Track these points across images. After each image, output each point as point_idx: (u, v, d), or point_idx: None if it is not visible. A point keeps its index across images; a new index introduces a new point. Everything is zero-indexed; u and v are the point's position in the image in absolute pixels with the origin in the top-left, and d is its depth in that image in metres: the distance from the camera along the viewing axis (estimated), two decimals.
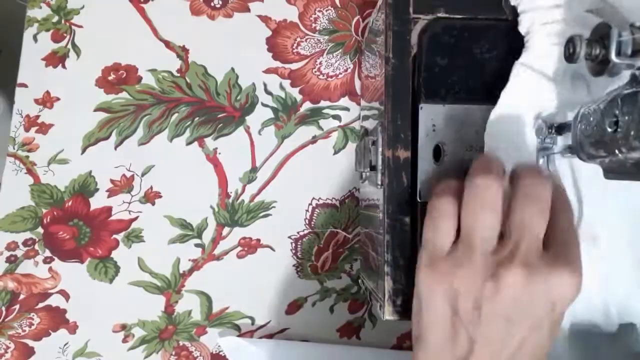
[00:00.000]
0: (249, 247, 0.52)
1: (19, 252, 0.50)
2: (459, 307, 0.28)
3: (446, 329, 0.28)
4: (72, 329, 0.51)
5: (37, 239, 0.50)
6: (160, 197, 0.51)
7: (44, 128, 0.51)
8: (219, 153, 0.52)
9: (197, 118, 0.52)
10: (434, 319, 0.29)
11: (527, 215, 0.27)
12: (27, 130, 0.51)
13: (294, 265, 0.52)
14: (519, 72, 0.34)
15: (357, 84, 0.53)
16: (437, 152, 0.36)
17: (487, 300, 0.27)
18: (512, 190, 0.29)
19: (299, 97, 0.53)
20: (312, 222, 0.52)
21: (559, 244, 0.28)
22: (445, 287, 0.28)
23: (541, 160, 0.33)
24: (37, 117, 0.51)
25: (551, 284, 0.26)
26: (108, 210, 0.51)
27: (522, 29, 0.34)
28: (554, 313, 0.27)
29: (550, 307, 0.27)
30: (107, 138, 0.51)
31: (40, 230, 0.50)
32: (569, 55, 0.26)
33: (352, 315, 0.52)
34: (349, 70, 0.53)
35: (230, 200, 0.52)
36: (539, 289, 0.26)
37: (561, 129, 0.31)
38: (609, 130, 0.25)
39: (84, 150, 0.51)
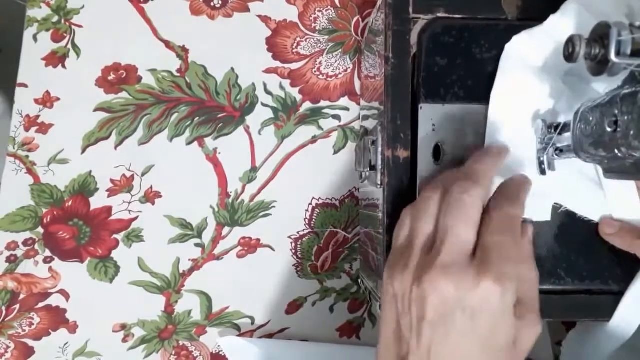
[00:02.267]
0: (249, 247, 0.52)
1: (19, 252, 0.50)
2: (399, 309, 0.29)
3: (393, 330, 0.30)
4: (72, 328, 0.51)
5: (37, 239, 0.50)
6: (160, 197, 0.51)
7: (44, 128, 0.51)
8: (219, 153, 0.52)
9: (197, 118, 0.52)
10: (385, 319, 0.30)
11: (447, 222, 0.28)
12: (27, 130, 0.51)
13: (294, 265, 0.52)
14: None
15: (357, 84, 0.53)
16: (437, 152, 0.36)
17: (416, 305, 0.28)
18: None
19: (298, 97, 0.53)
20: (312, 222, 0.52)
21: (484, 248, 0.28)
22: (391, 289, 0.30)
23: (541, 160, 0.33)
24: (37, 117, 0.51)
25: (471, 290, 0.26)
26: (108, 210, 0.51)
27: None
28: (478, 320, 0.26)
29: (470, 314, 0.26)
30: (107, 138, 0.51)
31: (40, 230, 0.51)
32: (569, 55, 0.26)
33: (352, 315, 0.52)
34: (349, 70, 0.53)
35: (230, 200, 0.52)
36: (460, 294, 0.26)
37: (560, 128, 0.31)
38: (609, 129, 0.25)
39: (84, 150, 0.51)
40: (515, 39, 0.35)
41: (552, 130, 0.32)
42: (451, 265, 0.27)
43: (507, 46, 0.35)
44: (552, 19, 0.34)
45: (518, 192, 0.31)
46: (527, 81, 0.34)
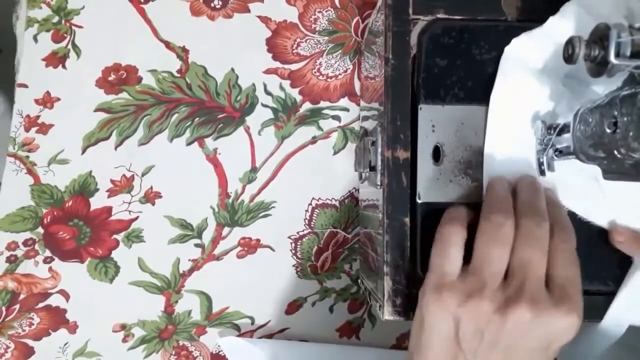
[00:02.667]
0: (249, 247, 0.52)
1: (19, 252, 0.50)
2: (461, 336, 0.29)
3: (446, 354, 0.30)
4: (72, 328, 0.51)
5: (37, 239, 0.51)
6: (161, 197, 0.51)
7: (44, 128, 0.51)
8: (219, 153, 0.52)
9: (197, 118, 0.52)
10: (436, 343, 0.30)
11: (527, 255, 0.29)
12: (27, 130, 0.51)
13: (293, 265, 0.52)
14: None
15: (357, 84, 0.53)
16: (437, 153, 0.36)
17: (490, 333, 0.28)
18: (515, 226, 0.30)
19: (298, 98, 0.53)
20: (312, 222, 0.52)
21: (561, 282, 0.29)
22: (451, 314, 0.29)
23: (541, 160, 0.33)
24: (38, 117, 0.51)
25: (553, 323, 0.28)
26: (108, 210, 0.51)
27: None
28: (549, 351, 0.29)
29: (546, 344, 0.28)
30: (107, 138, 0.52)
31: (40, 230, 0.51)
32: (568, 57, 0.26)
33: (351, 315, 0.52)
34: (349, 71, 0.53)
35: (230, 201, 0.52)
36: (541, 326, 0.28)
37: (560, 130, 0.31)
38: (608, 131, 0.25)
39: (84, 151, 0.51)
40: (515, 41, 0.35)
41: (552, 132, 0.32)
42: (537, 300, 0.28)
43: (507, 49, 0.35)
44: (552, 20, 0.34)
45: (569, 222, 0.32)
46: (526, 83, 0.34)
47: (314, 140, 0.53)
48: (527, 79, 0.34)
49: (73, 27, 0.52)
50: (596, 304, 0.35)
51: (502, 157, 0.35)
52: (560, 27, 0.33)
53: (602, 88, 0.32)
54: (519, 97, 0.34)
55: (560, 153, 0.31)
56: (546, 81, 0.34)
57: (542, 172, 0.33)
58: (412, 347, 0.32)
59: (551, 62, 0.34)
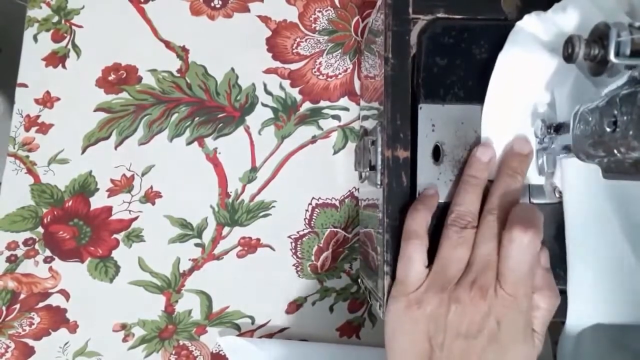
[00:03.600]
0: (249, 246, 0.52)
1: (19, 252, 0.50)
2: (429, 334, 0.32)
3: (420, 352, 0.32)
4: (73, 328, 0.51)
5: (37, 239, 0.51)
6: (161, 196, 0.51)
7: (44, 128, 0.51)
8: (219, 153, 0.52)
9: (197, 118, 0.52)
10: (408, 348, 0.33)
11: (484, 249, 0.32)
12: (27, 130, 0.51)
13: (293, 265, 0.52)
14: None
15: (357, 84, 0.53)
16: (437, 152, 0.36)
17: (450, 325, 0.31)
18: (480, 221, 0.33)
19: (298, 97, 0.53)
20: (312, 222, 0.52)
21: (505, 277, 0.31)
22: (418, 315, 0.32)
23: (540, 161, 0.33)
24: (38, 117, 0.51)
25: (500, 310, 0.31)
26: (108, 210, 0.51)
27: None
28: (502, 331, 0.31)
29: (496, 325, 0.31)
30: (107, 138, 0.52)
31: (40, 229, 0.51)
32: (568, 56, 0.26)
33: (351, 315, 0.52)
34: (349, 71, 0.53)
35: (230, 200, 0.52)
36: (489, 311, 0.31)
37: (560, 128, 0.31)
38: (608, 130, 0.25)
39: (84, 150, 0.51)
40: (527, 17, 0.34)
41: (551, 130, 0.32)
42: (485, 286, 0.31)
43: (518, 23, 0.34)
44: (556, 7, 0.33)
45: (532, 217, 0.32)
46: (533, 58, 0.34)
47: (314, 140, 0.53)
48: (536, 52, 0.34)
49: (73, 27, 0.52)
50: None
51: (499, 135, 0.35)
52: (564, 17, 0.33)
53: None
54: (524, 73, 0.34)
55: (562, 152, 0.31)
56: (552, 59, 0.33)
57: (542, 171, 0.33)
58: (388, 353, 0.34)
59: (556, 46, 0.33)
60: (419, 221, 0.34)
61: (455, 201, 0.34)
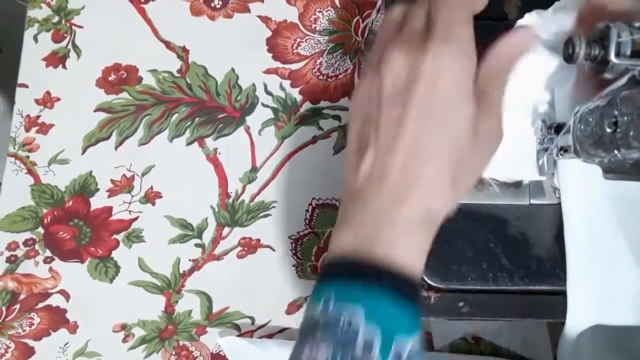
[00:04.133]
0: (249, 247, 0.52)
1: (20, 252, 0.50)
2: (367, 102, 0.28)
3: (358, 122, 0.29)
4: (73, 328, 0.51)
5: (37, 239, 0.51)
6: (161, 197, 0.51)
7: (44, 128, 0.51)
8: (219, 153, 0.52)
9: (198, 118, 0.52)
10: (352, 114, 0.30)
11: (412, 10, 0.28)
12: (27, 130, 0.51)
13: (294, 265, 0.52)
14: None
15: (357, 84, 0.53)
16: None
17: (378, 89, 0.27)
18: None
19: (299, 98, 0.53)
20: (312, 222, 0.52)
21: (439, 20, 0.27)
22: (362, 84, 0.29)
23: (541, 161, 0.33)
24: (38, 117, 0.51)
25: (426, 56, 0.26)
26: (108, 210, 0.51)
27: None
28: (441, 92, 0.26)
29: (432, 83, 0.26)
30: (107, 138, 0.51)
31: (40, 230, 0.51)
32: (568, 56, 0.26)
33: None
34: (349, 71, 0.53)
35: (231, 200, 0.52)
36: (416, 62, 0.26)
37: (560, 129, 0.31)
38: (608, 130, 0.25)
39: (84, 151, 0.51)
40: (527, 16, 0.34)
41: (552, 131, 0.32)
42: (411, 39, 0.27)
43: (520, 21, 0.34)
44: (557, 5, 0.33)
45: None
46: (534, 56, 0.34)
47: (314, 140, 0.53)
48: (534, 53, 0.33)
49: (73, 27, 0.52)
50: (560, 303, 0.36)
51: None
52: (565, 15, 0.33)
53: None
54: (522, 70, 0.34)
55: (563, 152, 0.31)
56: (552, 59, 0.33)
57: (543, 172, 0.33)
58: None
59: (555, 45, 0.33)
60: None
61: None
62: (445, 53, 0.26)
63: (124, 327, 0.51)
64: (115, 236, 0.51)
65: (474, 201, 0.37)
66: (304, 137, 0.52)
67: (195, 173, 0.52)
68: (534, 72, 0.34)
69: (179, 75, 0.52)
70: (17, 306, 0.50)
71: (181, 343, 0.51)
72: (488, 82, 0.27)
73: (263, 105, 0.52)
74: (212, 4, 0.53)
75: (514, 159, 0.34)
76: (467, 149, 0.27)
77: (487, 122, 0.27)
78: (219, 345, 0.51)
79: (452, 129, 0.26)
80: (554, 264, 0.35)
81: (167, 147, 0.52)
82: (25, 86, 0.52)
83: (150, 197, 0.51)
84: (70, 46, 0.52)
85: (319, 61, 0.53)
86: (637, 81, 0.24)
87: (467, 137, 0.26)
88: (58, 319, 0.50)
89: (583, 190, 0.33)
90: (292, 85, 0.53)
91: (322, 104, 0.53)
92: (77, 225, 0.51)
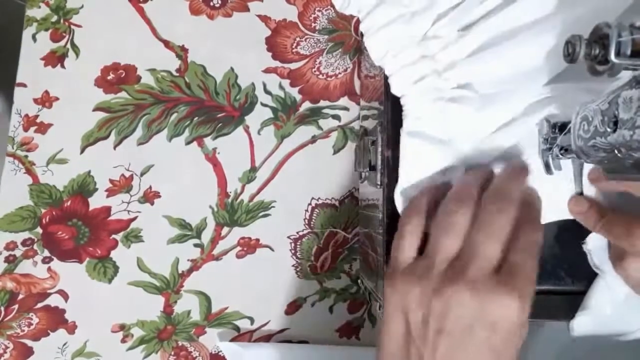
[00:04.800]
0: (248, 247, 0.52)
1: (18, 252, 0.50)
2: (411, 322, 0.29)
3: (399, 342, 0.30)
4: (71, 329, 0.50)
5: (35, 239, 0.50)
6: (159, 197, 0.51)
7: (42, 128, 0.51)
8: (218, 153, 0.52)
9: (196, 118, 0.52)
10: (390, 330, 0.30)
11: (481, 238, 0.29)
12: (26, 130, 0.51)
13: (293, 265, 0.52)
14: (405, 144, 0.34)
15: (357, 83, 0.53)
16: None
17: (433, 317, 0.28)
18: (479, 209, 0.30)
19: (298, 97, 0.53)
20: (312, 222, 0.52)
21: (509, 266, 0.28)
22: (400, 301, 0.30)
23: (545, 160, 0.33)
24: (36, 116, 0.51)
25: (491, 303, 0.27)
26: (107, 210, 0.51)
27: (396, 92, 0.35)
28: (496, 334, 0.28)
29: (490, 327, 0.27)
30: (106, 138, 0.51)
31: (39, 230, 0.50)
32: (568, 56, 0.26)
33: (351, 316, 0.52)
34: (349, 70, 0.53)
35: (230, 200, 0.52)
36: (479, 308, 0.27)
37: (564, 128, 0.31)
38: (609, 130, 0.25)
39: (83, 150, 0.51)
40: None
41: (556, 130, 0.31)
42: (477, 281, 0.28)
43: None
44: None
45: (539, 213, 0.31)
46: (417, 149, 0.35)
47: (313, 140, 0.52)
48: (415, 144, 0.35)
49: (72, 27, 0.52)
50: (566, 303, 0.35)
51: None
52: None
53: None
54: (416, 166, 0.35)
55: (565, 151, 0.31)
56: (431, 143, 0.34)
57: (549, 171, 0.33)
58: (377, 340, 0.32)
59: (430, 119, 0.34)
60: (416, 203, 0.33)
61: (454, 185, 0.33)
62: (519, 309, 0.28)
63: (122, 327, 0.51)
64: (114, 236, 0.51)
65: None
66: (303, 137, 0.52)
67: (194, 173, 0.51)
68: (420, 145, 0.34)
69: (177, 74, 0.52)
70: (16, 306, 0.50)
71: (180, 343, 0.51)
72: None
73: (262, 104, 0.52)
74: (211, 3, 0.53)
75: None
76: None
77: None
78: (218, 346, 0.51)
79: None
80: (555, 264, 0.35)
81: (166, 147, 0.51)
82: (24, 85, 0.51)
83: (149, 196, 0.51)
84: (68, 45, 0.52)
85: (318, 60, 0.53)
86: (638, 81, 0.24)
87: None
88: (57, 319, 0.50)
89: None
90: (292, 85, 0.53)
91: (322, 103, 0.53)
92: (75, 225, 0.51)
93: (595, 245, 0.34)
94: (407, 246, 0.31)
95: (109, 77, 0.52)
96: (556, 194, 0.34)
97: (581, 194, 0.33)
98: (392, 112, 0.36)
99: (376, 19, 0.35)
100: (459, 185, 0.32)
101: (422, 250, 0.31)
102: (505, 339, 0.28)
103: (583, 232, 0.35)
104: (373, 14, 0.35)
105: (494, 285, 0.28)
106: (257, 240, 0.52)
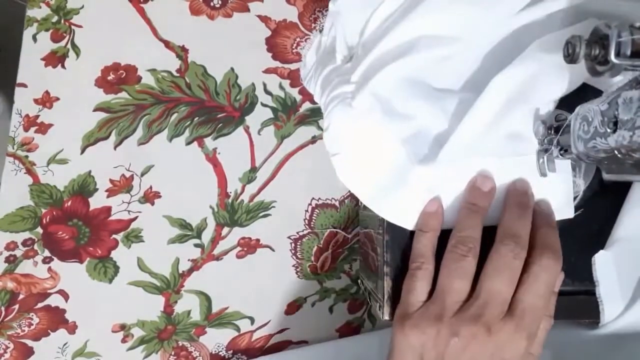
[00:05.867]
0: (249, 247, 0.52)
1: (18, 252, 0.50)
2: (425, 358, 0.31)
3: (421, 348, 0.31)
4: (72, 329, 0.51)
5: (36, 239, 0.50)
6: (160, 197, 0.51)
7: (43, 128, 0.51)
8: (219, 153, 0.52)
9: (197, 118, 0.52)
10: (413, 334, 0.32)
11: (497, 283, 0.31)
12: (26, 130, 0.51)
13: (293, 266, 0.52)
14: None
15: None
16: None
17: (449, 356, 0.31)
18: (492, 251, 0.32)
19: (298, 97, 0.53)
20: (312, 222, 0.52)
21: (522, 310, 0.31)
22: (413, 340, 0.32)
23: (541, 161, 0.33)
24: (37, 117, 0.51)
25: (504, 346, 0.30)
26: (107, 210, 0.51)
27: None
28: None
29: None
30: (106, 138, 0.51)
31: (39, 230, 0.50)
32: (568, 56, 0.26)
33: (351, 316, 0.52)
34: None
35: (230, 200, 0.52)
36: (494, 347, 0.30)
37: (560, 129, 0.31)
38: (608, 130, 0.25)
39: (83, 150, 0.51)
40: None
41: (552, 131, 0.32)
42: (493, 324, 0.30)
43: None
44: None
45: (555, 245, 0.32)
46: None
47: (313, 140, 0.52)
48: None
49: (72, 27, 0.52)
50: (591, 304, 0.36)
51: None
52: None
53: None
54: None
55: (563, 153, 0.31)
56: None
57: (543, 173, 0.33)
58: None
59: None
60: (424, 243, 0.34)
61: (456, 227, 0.34)
62: (527, 346, 0.31)
63: (123, 327, 0.51)
64: (114, 236, 0.51)
65: None
66: (303, 137, 0.52)
67: (195, 173, 0.51)
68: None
69: (178, 74, 0.52)
70: (16, 306, 0.50)
71: (180, 343, 0.51)
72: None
73: (262, 104, 0.52)
74: (212, 4, 0.53)
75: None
76: None
77: None
78: (218, 346, 0.51)
79: None
80: None
81: (167, 147, 0.52)
82: (24, 86, 0.52)
83: (150, 197, 0.51)
84: (69, 46, 0.52)
85: None
86: (638, 81, 0.24)
87: None
88: (57, 319, 0.50)
89: None
90: (292, 85, 0.53)
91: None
92: (76, 225, 0.51)
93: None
94: (419, 289, 0.33)
95: (109, 78, 0.52)
96: (550, 193, 0.34)
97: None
98: None
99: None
100: (464, 226, 0.33)
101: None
102: None
103: (583, 232, 0.36)
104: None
105: (508, 329, 0.30)
106: (258, 240, 0.52)
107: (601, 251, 0.35)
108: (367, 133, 0.36)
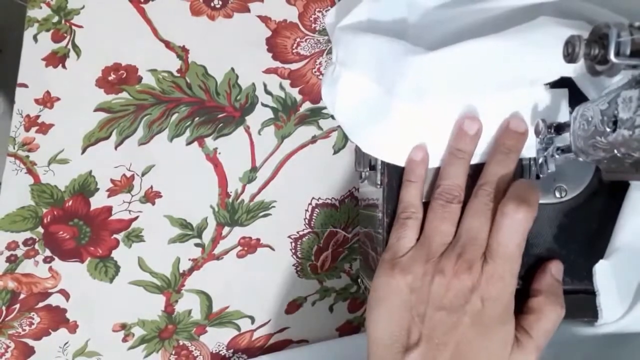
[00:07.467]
0: (249, 246, 0.52)
1: (19, 252, 0.50)
2: (411, 303, 0.32)
3: (399, 321, 0.32)
4: (72, 328, 0.51)
5: (37, 239, 0.51)
6: (161, 196, 0.51)
7: (44, 128, 0.51)
8: (219, 153, 0.52)
9: (197, 118, 0.52)
10: (388, 312, 0.33)
11: (475, 223, 0.32)
12: (27, 130, 0.51)
13: (293, 265, 0.52)
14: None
15: None
16: None
17: (433, 295, 0.31)
18: (472, 194, 0.33)
19: (298, 97, 0.53)
20: (312, 222, 0.52)
21: (495, 250, 0.31)
22: (401, 282, 0.32)
23: (540, 160, 0.33)
24: (38, 117, 0.51)
25: (482, 283, 0.31)
26: (108, 210, 0.51)
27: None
28: (486, 308, 0.31)
29: (480, 302, 0.31)
30: (107, 138, 0.52)
31: (40, 230, 0.51)
32: (568, 55, 0.26)
33: (351, 315, 0.52)
34: None
35: (230, 200, 0.52)
36: (476, 283, 0.31)
37: (560, 128, 0.31)
38: (608, 130, 0.25)
39: (84, 150, 0.51)
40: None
41: (552, 130, 0.32)
42: (473, 261, 0.31)
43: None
44: None
45: (528, 195, 0.32)
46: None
47: (314, 140, 0.53)
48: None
49: (73, 27, 0.52)
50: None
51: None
52: None
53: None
54: None
55: (562, 152, 0.31)
56: None
57: (542, 172, 0.33)
58: (367, 322, 0.34)
59: None
60: (413, 193, 0.34)
61: (441, 174, 0.34)
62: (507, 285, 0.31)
63: (123, 326, 0.51)
64: (115, 236, 0.51)
65: None
66: (303, 137, 0.52)
67: (195, 173, 0.52)
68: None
69: (178, 75, 0.52)
70: (17, 306, 0.50)
71: (181, 342, 0.51)
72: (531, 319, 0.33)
73: (263, 105, 0.53)
74: (212, 4, 0.53)
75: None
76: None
77: (521, 354, 0.32)
78: (219, 345, 0.51)
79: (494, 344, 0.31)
80: None
81: (167, 147, 0.52)
82: (25, 86, 0.52)
83: (150, 196, 0.51)
84: (70, 46, 0.52)
85: (318, 61, 0.53)
86: (637, 80, 0.24)
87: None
88: (58, 319, 0.50)
89: None
90: (292, 85, 0.53)
91: (322, 103, 0.53)
92: (77, 225, 0.51)
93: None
94: (410, 236, 0.34)
95: (110, 78, 0.52)
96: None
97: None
98: None
99: None
100: (449, 174, 0.34)
101: None
102: (492, 312, 0.31)
103: (583, 232, 0.36)
104: None
105: (486, 267, 0.31)
106: (258, 239, 0.52)
107: (601, 260, 0.35)
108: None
